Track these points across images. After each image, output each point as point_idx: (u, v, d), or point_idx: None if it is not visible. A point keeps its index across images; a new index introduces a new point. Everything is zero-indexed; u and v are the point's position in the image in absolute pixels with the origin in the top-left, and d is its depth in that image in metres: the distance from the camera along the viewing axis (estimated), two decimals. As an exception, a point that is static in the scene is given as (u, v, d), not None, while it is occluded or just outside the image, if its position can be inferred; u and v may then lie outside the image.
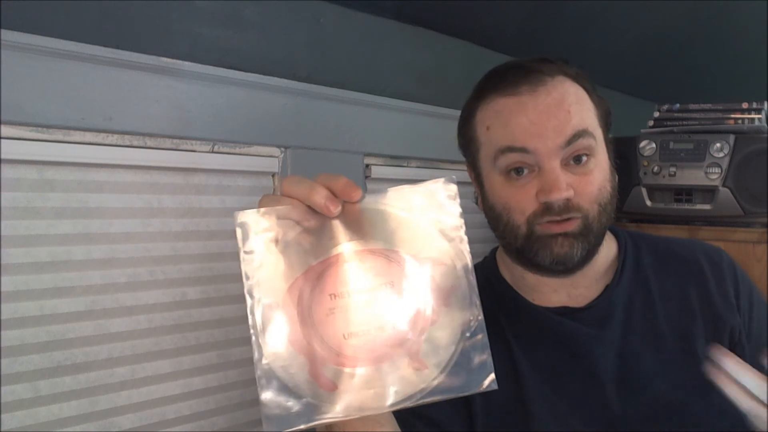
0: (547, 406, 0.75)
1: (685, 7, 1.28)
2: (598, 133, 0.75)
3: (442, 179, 0.56)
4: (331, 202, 0.53)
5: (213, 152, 1.01)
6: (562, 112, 0.73)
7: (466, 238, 0.55)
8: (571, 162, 0.73)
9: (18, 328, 0.82)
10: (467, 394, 0.55)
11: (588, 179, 0.73)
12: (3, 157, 0.79)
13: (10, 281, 0.81)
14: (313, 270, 0.54)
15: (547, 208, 0.72)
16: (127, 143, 0.91)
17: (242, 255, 0.53)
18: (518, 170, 0.73)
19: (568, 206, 0.72)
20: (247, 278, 0.53)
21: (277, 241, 0.54)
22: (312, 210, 0.54)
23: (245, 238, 0.53)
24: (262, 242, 0.53)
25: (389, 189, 0.55)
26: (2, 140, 0.79)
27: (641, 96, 2.14)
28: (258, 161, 1.07)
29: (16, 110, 0.79)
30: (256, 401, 1.09)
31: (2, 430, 0.80)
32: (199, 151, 1.00)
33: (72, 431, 0.87)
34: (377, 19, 1.28)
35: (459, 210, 0.56)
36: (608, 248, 0.81)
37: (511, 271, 0.84)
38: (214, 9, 1.01)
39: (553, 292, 0.80)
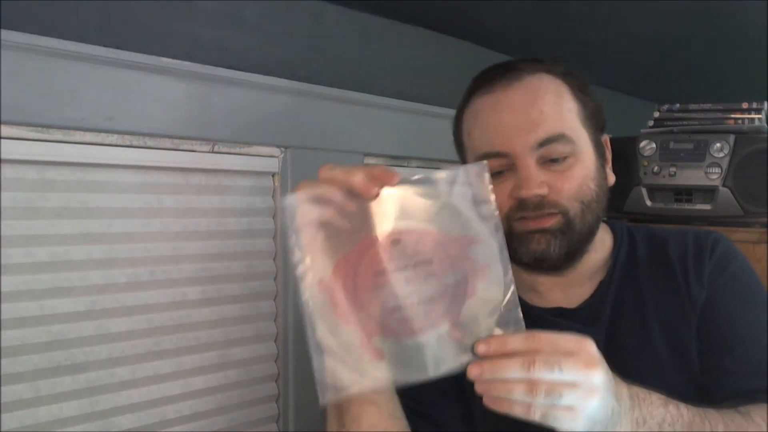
0: None
1: (685, 7, 1.28)
2: (581, 134, 0.75)
3: (475, 164, 0.60)
4: (369, 183, 0.56)
5: (213, 152, 1.01)
6: (535, 111, 0.73)
7: (498, 217, 0.59)
8: (548, 161, 0.73)
9: (18, 328, 0.82)
10: None
11: (565, 176, 0.73)
12: (3, 157, 0.79)
13: (10, 281, 0.81)
14: (357, 250, 0.58)
15: (521, 205, 0.72)
16: (128, 143, 0.91)
17: (290, 239, 0.57)
18: (498, 171, 0.74)
19: (542, 203, 0.72)
20: (297, 258, 0.57)
21: (321, 223, 0.57)
22: (351, 194, 0.57)
23: (292, 220, 0.57)
24: (307, 224, 0.57)
25: (426, 173, 0.59)
26: (2, 140, 0.79)
27: (641, 96, 2.14)
28: (258, 161, 1.07)
29: (16, 110, 0.78)
30: (256, 401, 1.09)
31: (2, 430, 0.80)
32: (199, 151, 1.00)
33: (72, 431, 0.87)
34: (377, 19, 1.28)
35: (491, 192, 0.59)
36: (603, 245, 0.81)
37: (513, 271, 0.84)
38: (214, 9, 1.01)
39: (549, 291, 0.80)
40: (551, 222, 0.72)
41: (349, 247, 0.58)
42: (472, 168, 0.59)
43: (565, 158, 0.73)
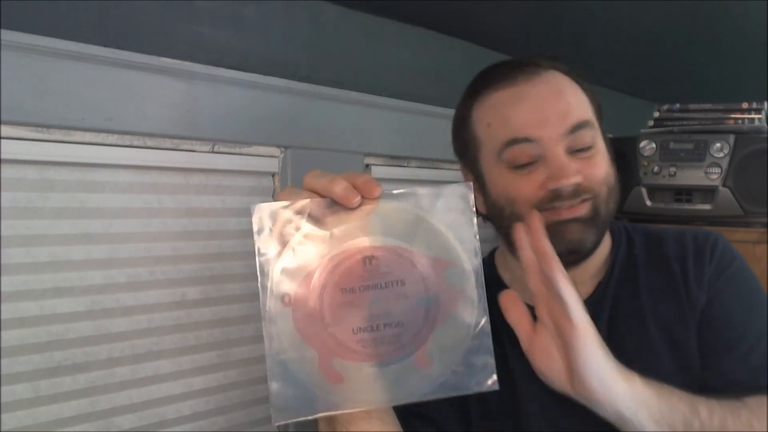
0: (538, 406, 0.75)
1: (684, 6, 1.28)
2: (596, 125, 0.76)
3: (460, 184, 0.57)
4: (350, 193, 0.54)
5: (213, 152, 1.01)
6: (562, 101, 0.73)
7: (478, 242, 0.57)
8: (574, 151, 0.73)
9: (18, 328, 0.82)
10: (469, 393, 0.56)
11: (593, 162, 0.74)
12: (3, 157, 0.79)
13: (10, 281, 0.81)
14: (328, 264, 0.55)
15: (556, 196, 0.72)
16: (127, 143, 0.91)
17: (257, 247, 0.55)
18: (522, 164, 0.73)
19: (578, 191, 0.72)
20: (262, 270, 0.55)
21: (293, 234, 0.55)
22: (330, 205, 0.55)
23: (261, 230, 0.55)
24: (278, 235, 0.55)
25: (408, 189, 0.57)
26: (2, 140, 0.79)
27: (641, 96, 2.14)
28: (258, 161, 1.07)
29: (16, 110, 0.78)
30: (256, 401, 1.09)
31: (2, 430, 0.80)
32: (199, 151, 0.99)
33: (72, 431, 0.87)
34: (377, 19, 1.28)
35: (474, 214, 0.57)
36: (604, 244, 0.81)
37: (512, 271, 0.83)
38: (214, 9, 1.01)
39: None
40: (584, 210, 0.73)
41: (321, 261, 0.55)
42: (456, 187, 0.57)
43: (589, 147, 0.74)
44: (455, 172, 1.38)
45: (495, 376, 0.56)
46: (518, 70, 0.76)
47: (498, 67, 0.79)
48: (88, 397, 0.88)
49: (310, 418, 0.56)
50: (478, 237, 0.57)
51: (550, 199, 0.72)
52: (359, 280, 0.55)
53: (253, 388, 1.08)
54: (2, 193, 0.80)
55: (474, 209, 0.57)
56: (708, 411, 0.64)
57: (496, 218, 0.78)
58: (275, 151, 1.10)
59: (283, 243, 0.55)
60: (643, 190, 1.41)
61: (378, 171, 1.27)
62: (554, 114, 0.72)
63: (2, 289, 0.80)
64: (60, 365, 0.86)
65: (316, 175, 0.56)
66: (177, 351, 0.98)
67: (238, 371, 1.06)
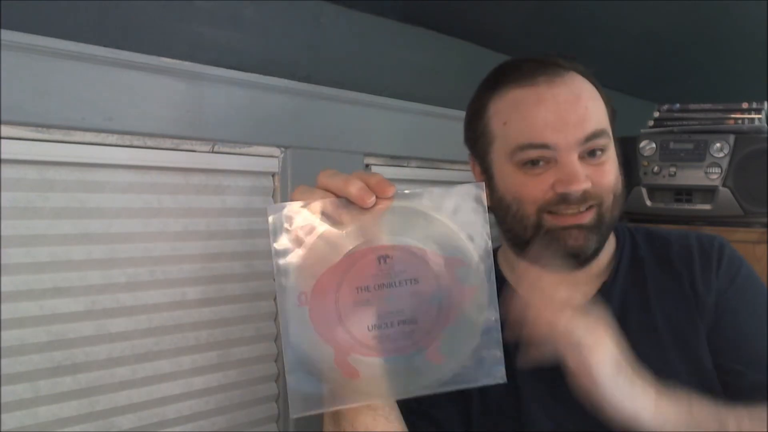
0: (541, 405, 0.75)
1: (684, 6, 1.28)
2: (610, 131, 0.77)
3: (472, 184, 0.58)
4: (365, 193, 0.55)
5: (213, 152, 1.01)
6: (581, 107, 0.73)
7: (490, 241, 0.58)
8: (586, 155, 0.73)
9: (18, 328, 0.82)
10: (478, 385, 0.59)
11: (603, 169, 0.74)
12: (3, 157, 0.79)
13: (10, 281, 0.81)
14: (343, 263, 0.56)
15: (563, 199, 0.72)
16: (127, 143, 0.91)
17: (273, 247, 0.56)
18: (534, 162, 0.73)
19: (585, 197, 0.72)
20: (278, 269, 0.56)
21: (308, 234, 0.56)
22: (344, 204, 0.56)
23: (277, 230, 0.56)
24: (293, 235, 0.56)
25: (421, 189, 0.58)
26: (2, 140, 0.79)
27: (641, 96, 2.14)
28: (258, 161, 1.07)
29: (16, 110, 0.78)
30: (256, 401, 1.09)
31: (2, 430, 0.80)
32: (199, 151, 0.99)
33: (72, 431, 0.87)
34: (377, 19, 1.28)
35: (485, 214, 0.58)
36: (609, 244, 0.81)
37: (514, 269, 0.84)
38: (214, 9, 1.01)
39: (552, 290, 0.80)
40: (587, 218, 0.73)
41: (336, 260, 0.56)
42: (468, 187, 0.58)
43: (602, 152, 0.74)
44: (455, 172, 1.38)
45: (503, 369, 0.58)
46: (539, 69, 0.75)
47: (518, 64, 0.78)
48: (88, 397, 0.88)
49: (327, 410, 0.58)
50: (490, 236, 0.58)
51: (557, 202, 0.72)
52: (373, 279, 0.56)
53: (253, 388, 1.08)
54: (2, 193, 0.80)
55: (486, 209, 0.58)
56: (736, 426, 0.65)
57: (502, 215, 0.78)
58: (275, 151, 1.10)
59: (299, 242, 0.56)
60: (643, 190, 1.41)
61: (378, 171, 1.27)
62: (572, 120, 0.72)
63: (2, 289, 0.80)
64: (60, 365, 0.86)
65: (330, 174, 0.57)
66: (177, 351, 0.98)
67: (238, 371, 1.06)
